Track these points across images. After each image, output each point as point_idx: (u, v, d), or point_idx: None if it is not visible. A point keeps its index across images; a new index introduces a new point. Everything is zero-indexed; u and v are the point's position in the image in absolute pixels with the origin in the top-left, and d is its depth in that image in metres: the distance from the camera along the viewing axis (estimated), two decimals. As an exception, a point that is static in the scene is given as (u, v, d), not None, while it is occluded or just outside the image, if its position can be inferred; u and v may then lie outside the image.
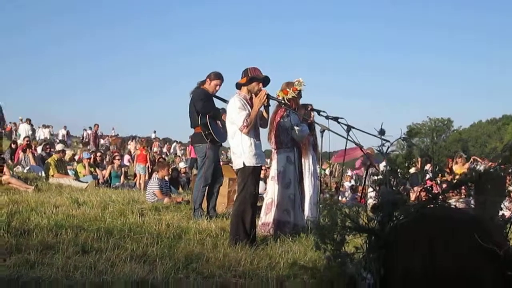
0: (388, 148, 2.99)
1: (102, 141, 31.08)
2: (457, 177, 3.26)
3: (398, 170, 2.87)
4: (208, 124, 7.18)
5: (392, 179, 2.84)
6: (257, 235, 5.74)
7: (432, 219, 2.82)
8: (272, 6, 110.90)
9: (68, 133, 33.40)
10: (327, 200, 2.79)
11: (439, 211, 2.97)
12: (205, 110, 7.26)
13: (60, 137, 30.71)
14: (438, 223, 2.77)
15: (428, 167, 16.05)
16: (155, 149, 28.61)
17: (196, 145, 7.57)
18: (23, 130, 27.31)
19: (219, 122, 7.43)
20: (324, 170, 18.16)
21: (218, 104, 7.57)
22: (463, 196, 3.22)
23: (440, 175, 3.40)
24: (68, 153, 16.98)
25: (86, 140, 31.56)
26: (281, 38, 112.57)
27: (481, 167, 13.03)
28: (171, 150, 32.57)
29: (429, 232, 2.70)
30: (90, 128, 31.30)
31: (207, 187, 7.44)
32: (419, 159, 16.14)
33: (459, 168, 13.79)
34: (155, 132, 38.51)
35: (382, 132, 3.17)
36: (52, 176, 12.91)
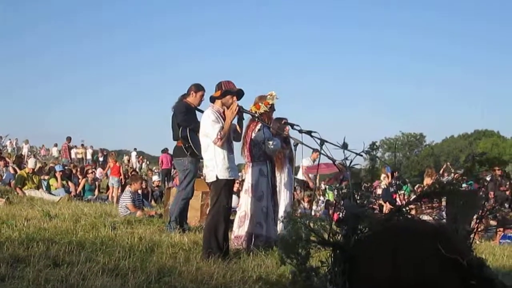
0: (351, 161, 3.05)
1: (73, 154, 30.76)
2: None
3: (362, 184, 2.94)
4: (188, 137, 7.19)
5: (356, 193, 2.90)
6: (230, 248, 5.76)
7: (395, 231, 2.88)
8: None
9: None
10: (291, 215, 2.84)
11: (402, 223, 3.04)
12: (186, 123, 7.29)
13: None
14: (401, 235, 2.83)
15: (387, 181, 16.08)
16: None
17: (177, 158, 7.58)
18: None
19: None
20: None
21: (200, 117, 7.54)
22: (434, 207, 3.28)
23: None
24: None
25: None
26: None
27: (445, 179, 13.15)
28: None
29: (392, 244, 2.76)
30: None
31: (185, 201, 7.44)
32: (388, 173, 16.28)
33: (430, 180, 13.82)
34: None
35: (345, 145, 3.23)
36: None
